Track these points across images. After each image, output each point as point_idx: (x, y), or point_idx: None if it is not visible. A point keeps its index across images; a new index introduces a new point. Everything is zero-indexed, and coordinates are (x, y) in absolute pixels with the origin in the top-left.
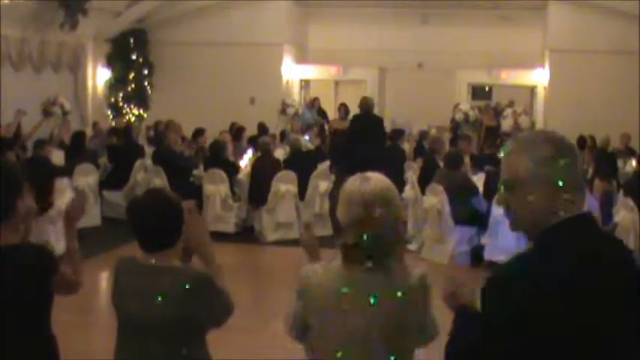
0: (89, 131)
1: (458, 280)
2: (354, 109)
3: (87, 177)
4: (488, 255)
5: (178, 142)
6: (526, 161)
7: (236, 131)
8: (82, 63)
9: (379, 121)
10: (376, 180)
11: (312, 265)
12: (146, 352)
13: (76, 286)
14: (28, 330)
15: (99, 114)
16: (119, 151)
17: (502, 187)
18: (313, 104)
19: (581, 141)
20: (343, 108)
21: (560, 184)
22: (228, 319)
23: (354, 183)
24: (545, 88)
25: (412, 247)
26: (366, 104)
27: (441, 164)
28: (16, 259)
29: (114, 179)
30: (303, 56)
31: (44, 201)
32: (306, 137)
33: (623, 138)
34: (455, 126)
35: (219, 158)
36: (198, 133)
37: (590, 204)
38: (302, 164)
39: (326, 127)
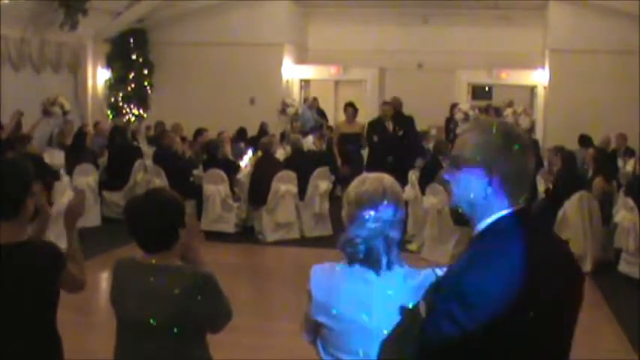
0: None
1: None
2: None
3: (87, 177)
4: None
5: (178, 143)
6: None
7: (238, 133)
8: (82, 63)
9: (411, 120)
10: (372, 181)
11: (321, 264)
12: (146, 352)
13: (82, 284)
14: (35, 327)
15: (99, 114)
16: (117, 151)
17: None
18: (313, 104)
19: (583, 140)
20: (351, 109)
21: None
22: (226, 324)
23: (354, 183)
24: (545, 88)
25: (412, 247)
26: (396, 104)
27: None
28: (24, 256)
29: (114, 179)
30: (303, 56)
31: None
32: (309, 138)
33: (619, 138)
34: (454, 126)
35: (217, 158)
36: (199, 132)
37: (586, 208)
38: (303, 164)
39: (325, 127)
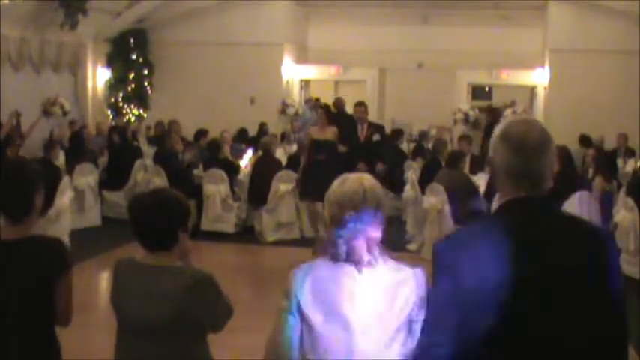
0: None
1: None
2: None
3: (87, 177)
4: None
5: (179, 143)
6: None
7: (238, 133)
8: (82, 63)
9: (352, 120)
10: (352, 182)
11: (302, 264)
12: (146, 352)
13: (70, 314)
14: (35, 327)
15: (99, 114)
16: (117, 151)
17: None
18: (314, 105)
19: (583, 140)
20: (323, 112)
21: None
22: (227, 323)
23: (335, 184)
24: (545, 88)
25: (412, 247)
26: (340, 104)
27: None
28: (30, 249)
29: (114, 179)
30: (303, 56)
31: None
32: None
33: (619, 138)
34: (487, 127)
35: (218, 158)
36: (201, 134)
37: (586, 208)
38: None
39: None
